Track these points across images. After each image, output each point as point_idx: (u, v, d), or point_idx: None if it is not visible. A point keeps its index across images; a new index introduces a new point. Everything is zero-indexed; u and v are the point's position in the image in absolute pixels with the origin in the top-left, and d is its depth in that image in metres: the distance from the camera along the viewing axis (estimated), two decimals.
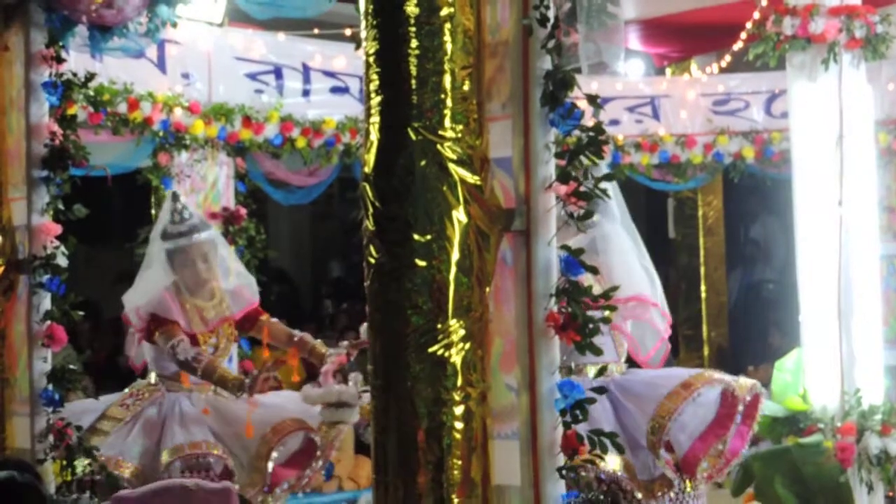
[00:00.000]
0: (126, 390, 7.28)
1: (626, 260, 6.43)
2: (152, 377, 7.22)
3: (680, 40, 11.56)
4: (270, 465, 6.95)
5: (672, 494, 6.32)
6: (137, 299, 7.17)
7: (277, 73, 9.72)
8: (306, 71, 9.85)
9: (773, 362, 8.61)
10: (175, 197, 7.36)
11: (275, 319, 7.47)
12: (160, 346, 7.02)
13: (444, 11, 4.71)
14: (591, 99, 4.82)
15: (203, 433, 6.90)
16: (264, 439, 6.97)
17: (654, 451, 6.22)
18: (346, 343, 7.32)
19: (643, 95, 11.41)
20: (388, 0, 4.75)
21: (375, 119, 4.77)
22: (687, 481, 6.34)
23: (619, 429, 6.19)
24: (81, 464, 6.42)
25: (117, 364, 11.75)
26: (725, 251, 12.85)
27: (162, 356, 7.12)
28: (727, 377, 6.50)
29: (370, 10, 4.81)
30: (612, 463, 6.06)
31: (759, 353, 11.53)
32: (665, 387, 6.31)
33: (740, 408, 6.40)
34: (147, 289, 7.19)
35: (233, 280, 7.44)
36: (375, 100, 4.77)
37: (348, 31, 9.88)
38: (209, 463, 6.87)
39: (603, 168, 5.27)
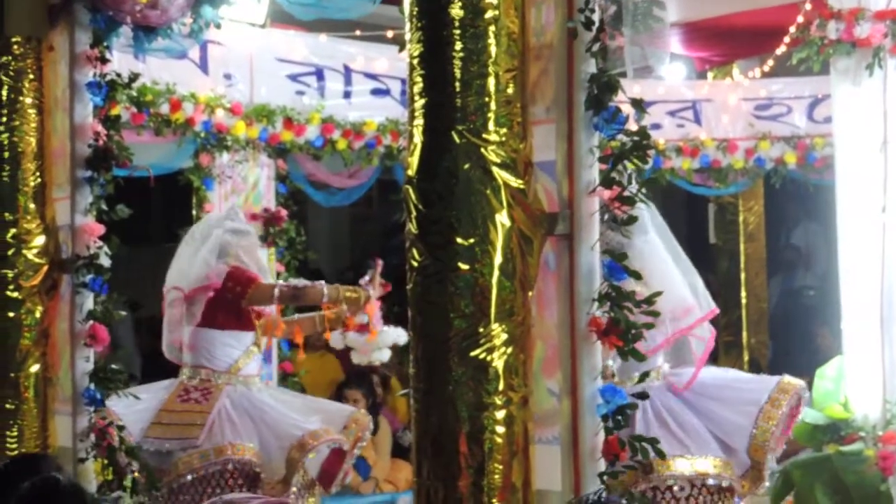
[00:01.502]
0: (169, 383, 7.26)
1: (665, 271, 6.37)
2: (201, 373, 7.17)
3: (722, 44, 11.50)
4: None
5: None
6: (209, 258, 7.17)
7: (319, 74, 9.74)
8: (348, 73, 9.87)
9: (814, 371, 8.55)
10: (235, 210, 7.58)
11: None
12: (250, 305, 7.05)
13: (489, 14, 4.71)
14: (636, 103, 4.80)
15: (314, 422, 6.97)
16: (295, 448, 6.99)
17: (760, 457, 6.22)
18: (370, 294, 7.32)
19: (685, 99, 11.37)
20: (433, 2, 4.75)
21: (419, 122, 4.77)
22: None
23: (704, 429, 6.20)
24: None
25: (156, 363, 11.78)
26: (766, 257, 12.77)
27: (218, 341, 7.09)
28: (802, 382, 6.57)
29: (415, 13, 4.82)
30: (705, 465, 6.07)
31: (799, 361, 11.44)
32: (762, 391, 6.33)
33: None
34: (208, 258, 7.20)
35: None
36: (419, 102, 4.77)
37: (390, 33, 9.88)
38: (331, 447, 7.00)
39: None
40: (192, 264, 7.19)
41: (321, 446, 6.88)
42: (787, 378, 6.53)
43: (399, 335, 7.27)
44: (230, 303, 7.05)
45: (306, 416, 7.05)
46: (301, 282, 7.16)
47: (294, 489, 6.82)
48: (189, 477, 6.75)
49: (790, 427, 6.49)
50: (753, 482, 6.27)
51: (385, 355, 7.38)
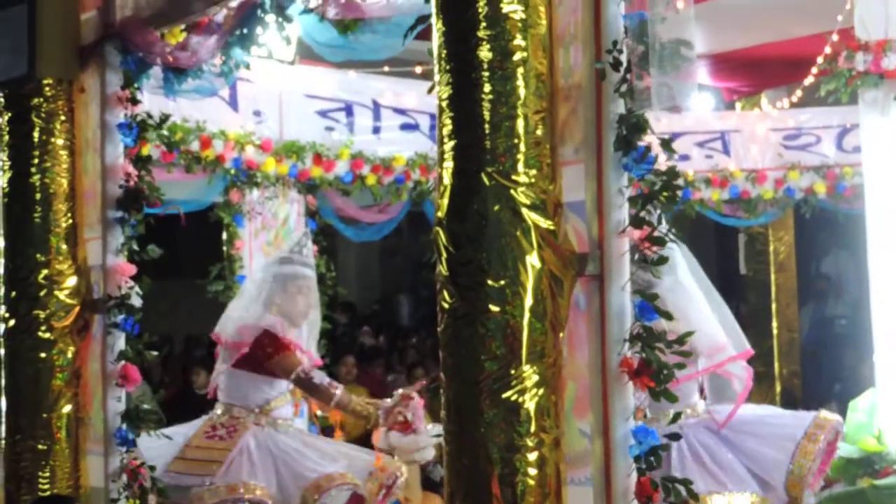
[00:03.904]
0: (200, 421, 7.28)
1: (695, 310, 6.32)
2: (232, 410, 7.17)
3: (750, 74, 11.50)
4: None
5: None
6: (246, 317, 7.19)
7: (348, 110, 9.76)
8: (376, 108, 9.89)
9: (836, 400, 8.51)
10: (307, 235, 7.57)
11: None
12: (281, 369, 7.05)
13: (517, 56, 4.71)
14: (665, 143, 4.80)
15: (336, 465, 6.96)
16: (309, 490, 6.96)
17: (797, 492, 6.19)
18: (399, 391, 7.31)
19: (713, 130, 11.33)
20: (462, 45, 4.76)
21: (449, 164, 4.77)
22: None
23: (745, 469, 6.17)
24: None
25: (187, 398, 11.83)
26: (797, 287, 12.72)
27: (252, 384, 7.10)
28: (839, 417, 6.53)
29: (443, 55, 4.82)
30: (742, 501, 6.04)
31: (830, 391, 11.40)
32: (798, 427, 6.33)
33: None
34: (251, 307, 7.21)
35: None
36: (449, 144, 4.78)
37: (419, 69, 9.93)
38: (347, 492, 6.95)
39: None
40: (235, 316, 7.25)
41: (335, 489, 6.85)
42: (824, 413, 6.50)
43: (440, 431, 7.22)
44: (257, 361, 7.07)
45: (330, 460, 7.03)
46: (321, 377, 7.11)
47: None
48: None
49: (827, 462, 6.45)
50: None
51: (429, 454, 7.33)
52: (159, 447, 6.87)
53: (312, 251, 7.67)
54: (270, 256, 7.65)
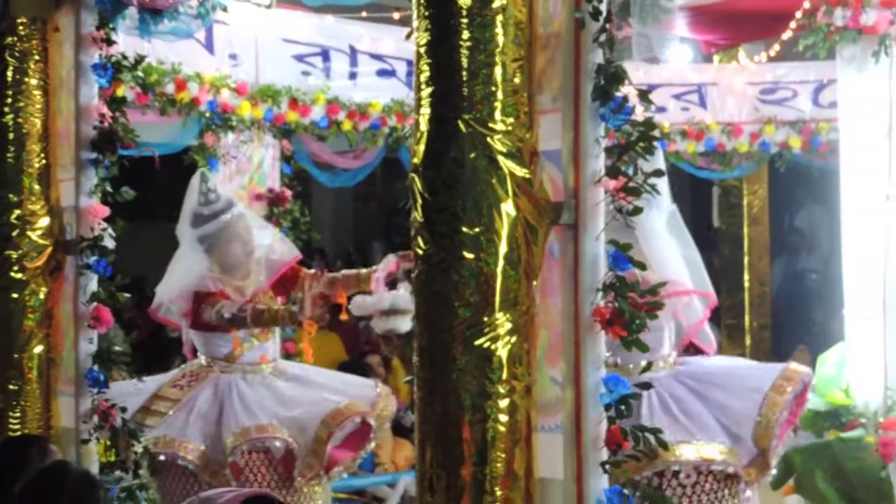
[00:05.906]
0: (176, 371, 7.34)
1: (665, 250, 6.34)
2: (202, 359, 7.25)
3: (728, 28, 11.47)
4: (329, 449, 6.97)
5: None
6: (176, 284, 7.18)
7: (325, 55, 9.71)
8: (353, 53, 9.83)
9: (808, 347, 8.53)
10: (203, 178, 7.35)
11: (313, 271, 7.46)
12: (209, 317, 7.01)
13: (497, 3, 4.69)
14: (643, 94, 4.81)
15: (268, 416, 6.95)
16: (324, 423, 6.99)
17: (765, 443, 6.17)
18: (391, 256, 7.15)
19: (690, 83, 11.33)
20: None
21: (425, 110, 4.76)
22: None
23: (715, 420, 6.17)
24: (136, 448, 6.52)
25: (160, 341, 11.83)
26: (770, 240, 12.77)
27: (211, 339, 7.14)
28: (808, 370, 6.50)
29: (422, 1, 4.80)
30: (711, 451, 6.04)
31: (800, 344, 11.46)
32: (766, 379, 6.28)
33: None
34: (185, 275, 7.18)
35: (265, 246, 7.41)
36: (426, 91, 4.76)
37: (396, 15, 9.89)
38: (271, 446, 6.92)
39: (660, 161, 5.23)
40: (170, 285, 7.24)
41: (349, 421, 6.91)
42: (793, 365, 6.50)
43: (397, 296, 7.06)
44: (196, 322, 7.11)
45: (264, 408, 7.04)
46: (240, 307, 6.96)
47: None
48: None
49: (796, 414, 6.46)
50: (760, 470, 6.25)
51: (403, 324, 7.14)
52: (128, 396, 6.87)
53: (219, 190, 7.48)
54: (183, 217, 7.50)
